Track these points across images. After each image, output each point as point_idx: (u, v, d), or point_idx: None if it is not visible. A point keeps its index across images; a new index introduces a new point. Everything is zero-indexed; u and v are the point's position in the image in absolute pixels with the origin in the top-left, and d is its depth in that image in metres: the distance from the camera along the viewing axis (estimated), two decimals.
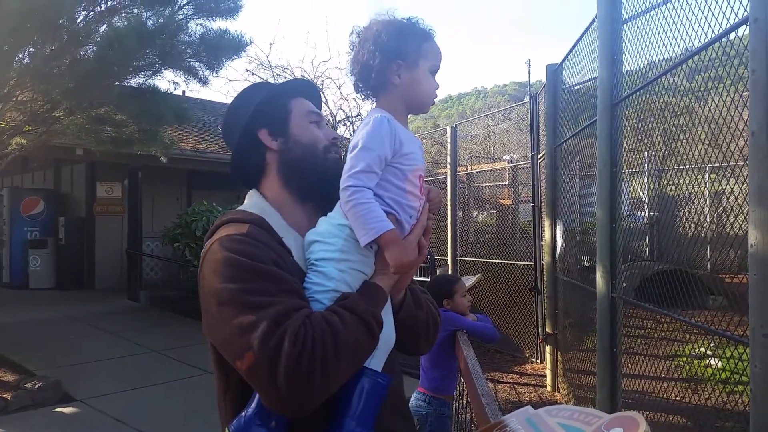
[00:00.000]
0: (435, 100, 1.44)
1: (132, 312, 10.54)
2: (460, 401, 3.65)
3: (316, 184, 1.44)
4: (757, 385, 1.81)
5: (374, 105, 1.44)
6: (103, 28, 6.42)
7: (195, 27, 6.94)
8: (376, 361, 1.31)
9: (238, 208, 1.45)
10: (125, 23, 6.22)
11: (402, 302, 1.48)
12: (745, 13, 1.98)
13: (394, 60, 1.36)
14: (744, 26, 2.06)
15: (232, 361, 1.17)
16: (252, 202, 1.46)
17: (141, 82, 7.22)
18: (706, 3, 2.41)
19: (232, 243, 1.26)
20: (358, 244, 1.29)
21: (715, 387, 4.15)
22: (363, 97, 1.47)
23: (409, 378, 3.65)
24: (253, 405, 1.20)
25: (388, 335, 1.35)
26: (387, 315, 1.36)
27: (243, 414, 1.21)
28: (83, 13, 6.40)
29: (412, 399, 3.55)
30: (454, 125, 9.16)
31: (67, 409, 5.37)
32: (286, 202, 1.45)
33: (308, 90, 1.60)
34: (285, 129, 1.47)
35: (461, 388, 3.41)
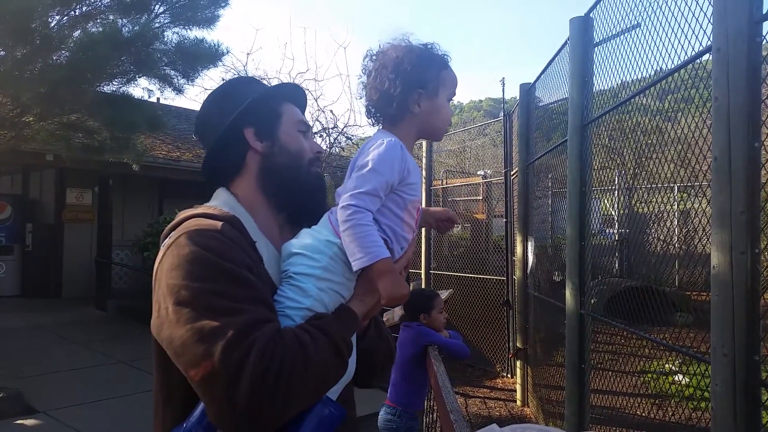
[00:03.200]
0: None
1: (100, 321, 10.34)
2: (431, 416, 3.66)
3: (294, 195, 1.37)
4: (718, 403, 1.86)
5: (381, 128, 1.39)
6: (77, 33, 6.34)
7: (171, 35, 6.89)
8: (333, 390, 1.21)
9: (207, 204, 1.34)
10: (100, 29, 6.15)
11: (365, 331, 1.42)
12: (709, 42, 2.04)
13: (415, 89, 1.33)
14: (708, 54, 2.13)
15: (185, 368, 1.05)
16: (222, 200, 1.35)
17: (115, 89, 7.13)
18: (673, 31, 2.49)
19: (202, 238, 1.14)
20: (343, 264, 1.23)
21: (680, 403, 4.23)
22: (373, 122, 1.42)
23: (378, 391, 3.64)
24: (196, 416, 1.09)
25: (350, 365, 1.25)
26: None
27: (183, 425, 1.10)
28: (57, 17, 6.32)
29: (381, 413, 3.55)
30: (429, 141, 9.22)
31: (29, 421, 5.23)
32: (258, 207, 1.35)
33: (299, 97, 1.52)
34: (273, 133, 1.38)
35: (432, 404, 3.42)
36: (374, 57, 1.39)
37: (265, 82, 9.11)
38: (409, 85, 1.32)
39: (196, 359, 1.02)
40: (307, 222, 1.40)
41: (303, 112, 1.51)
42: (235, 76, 1.60)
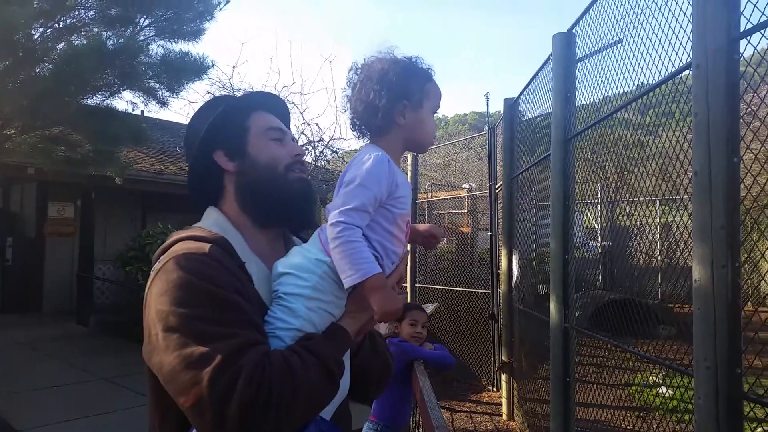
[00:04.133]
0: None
1: (81, 337, 10.18)
2: (417, 431, 3.63)
3: (276, 207, 1.33)
4: (701, 416, 1.87)
5: (368, 141, 1.39)
6: (60, 46, 6.31)
7: (156, 48, 6.89)
8: (327, 409, 1.20)
9: (197, 225, 1.33)
10: (84, 42, 6.13)
11: (360, 346, 1.40)
12: (689, 59, 2.08)
13: (400, 100, 1.33)
14: (688, 70, 2.17)
15: (175, 395, 1.05)
16: (212, 220, 1.33)
17: (98, 102, 7.09)
18: (654, 47, 2.53)
19: (190, 262, 1.13)
20: (333, 283, 1.22)
21: (665, 416, 4.25)
22: (358, 135, 1.42)
23: (366, 407, 3.62)
24: None
25: (344, 383, 1.25)
26: (345, 361, 1.26)
27: None
28: (40, 29, 6.29)
29: (364, 428, 3.52)
30: (414, 153, 9.26)
31: None
32: (246, 226, 1.33)
33: (271, 103, 1.47)
34: (242, 149, 1.35)
35: (417, 419, 3.40)
36: (359, 70, 1.39)
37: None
38: (394, 96, 1.33)
39: (185, 386, 1.02)
40: (299, 228, 1.40)
41: (283, 117, 1.47)
42: (213, 97, 1.57)
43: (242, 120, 1.38)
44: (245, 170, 1.34)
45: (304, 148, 9.66)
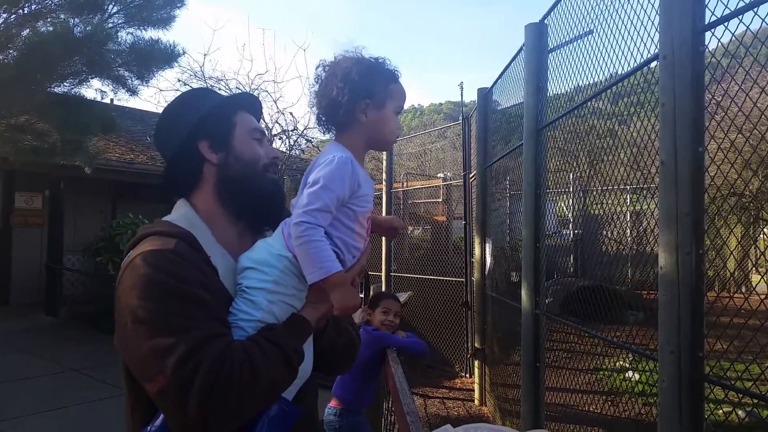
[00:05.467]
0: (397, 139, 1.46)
1: (50, 328, 10.02)
2: (390, 418, 3.67)
3: (251, 202, 1.41)
4: (665, 399, 1.92)
5: (334, 138, 1.44)
6: (26, 32, 6.14)
7: (125, 36, 6.75)
8: (290, 389, 1.28)
9: (165, 219, 1.39)
10: (50, 29, 5.97)
11: (324, 329, 1.48)
12: (656, 50, 2.12)
13: (363, 99, 1.38)
14: (656, 61, 2.21)
15: (143, 382, 1.14)
16: (180, 213, 1.40)
17: (66, 90, 6.93)
18: (623, 38, 2.57)
19: (156, 259, 1.20)
20: (294, 276, 1.30)
21: (632, 399, 4.35)
22: (324, 130, 1.48)
23: (326, 391, 3.64)
24: (158, 423, 1.17)
25: (305, 366, 1.33)
26: (307, 345, 1.34)
27: (149, 428, 1.18)
28: (4, 15, 6.11)
29: (325, 414, 3.55)
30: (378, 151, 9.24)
31: None
32: (217, 217, 1.40)
33: (253, 104, 1.56)
34: (227, 143, 1.42)
35: (390, 405, 3.43)
36: (326, 67, 1.44)
37: (222, 83, 8.90)
38: (356, 94, 1.37)
39: (151, 374, 1.11)
40: (267, 226, 1.46)
41: (258, 120, 1.56)
42: (192, 88, 1.60)
43: (230, 115, 1.45)
44: (229, 163, 1.41)
45: (279, 138, 9.60)
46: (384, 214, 8.74)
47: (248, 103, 1.54)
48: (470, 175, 6.95)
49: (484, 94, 6.04)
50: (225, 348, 1.12)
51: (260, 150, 1.46)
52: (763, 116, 1.94)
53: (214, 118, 1.42)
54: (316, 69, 1.45)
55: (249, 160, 1.42)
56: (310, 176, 1.34)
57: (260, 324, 1.25)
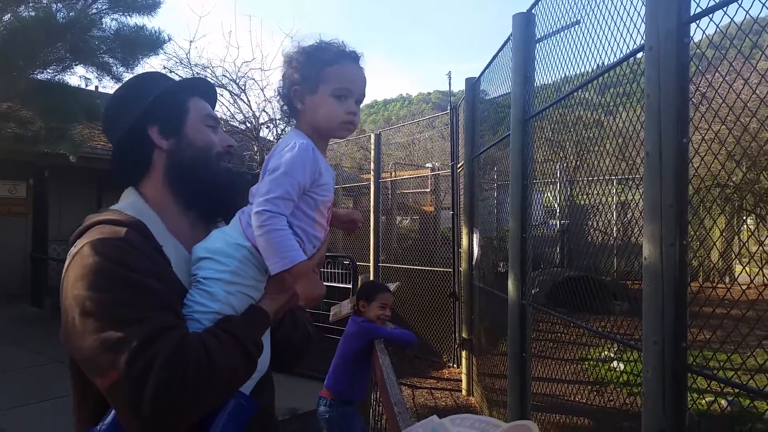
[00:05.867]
0: (348, 124, 1.38)
1: (35, 319, 9.93)
2: (378, 409, 3.68)
3: (204, 190, 1.36)
4: (649, 389, 1.94)
5: (293, 127, 1.42)
6: (6, 17, 6.03)
7: (110, 22, 6.63)
8: (247, 384, 1.26)
9: (113, 208, 1.34)
10: (32, 14, 5.86)
11: (280, 322, 1.45)
12: (643, 41, 2.12)
13: (294, 85, 1.36)
14: (641, 52, 2.21)
15: (92, 376, 1.09)
16: (129, 202, 1.34)
17: (50, 77, 6.81)
18: (610, 29, 2.56)
19: (105, 247, 1.14)
20: (253, 267, 1.26)
21: (617, 389, 4.40)
22: (287, 121, 1.47)
23: (317, 382, 3.65)
24: (109, 420, 1.12)
25: (263, 359, 1.30)
26: (265, 338, 1.31)
27: (98, 427, 1.13)
28: None
29: (317, 406, 3.57)
30: (378, 132, 9.24)
31: None
32: (167, 206, 1.35)
33: (207, 91, 1.50)
34: (179, 129, 1.37)
35: (378, 396, 3.44)
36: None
37: (208, 71, 8.78)
38: (288, 81, 1.37)
39: (102, 369, 1.05)
40: (220, 216, 1.42)
41: (213, 107, 1.51)
42: (144, 72, 1.56)
43: (183, 100, 1.40)
44: (180, 149, 1.36)
45: (266, 127, 9.53)
46: (372, 204, 8.73)
47: (203, 89, 1.49)
48: (458, 166, 6.95)
49: (472, 84, 6.03)
50: (180, 340, 1.08)
51: (214, 137, 1.41)
52: (746, 108, 1.95)
53: (166, 103, 1.36)
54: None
55: (201, 147, 1.38)
56: (270, 162, 1.31)
57: (217, 316, 1.20)
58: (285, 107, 1.42)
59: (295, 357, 1.53)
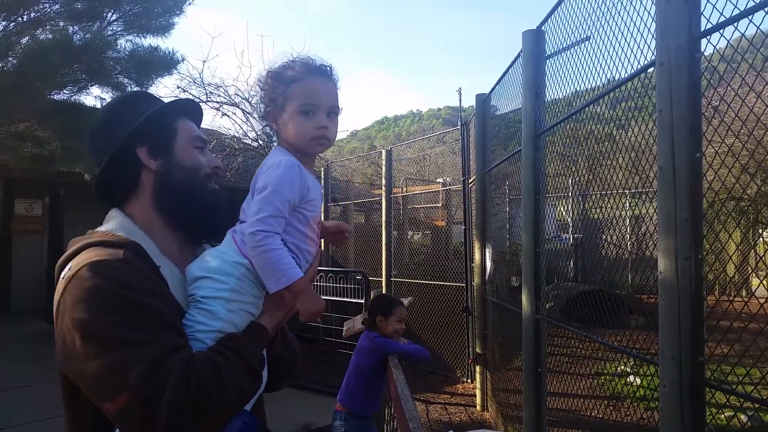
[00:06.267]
0: (320, 139, 1.37)
1: (50, 336, 9.87)
2: (392, 424, 3.66)
3: (192, 212, 1.36)
4: (667, 404, 1.93)
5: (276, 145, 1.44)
6: (25, 40, 6.16)
7: (125, 43, 6.76)
8: (249, 403, 1.26)
9: (101, 230, 1.31)
10: (50, 36, 5.98)
11: (273, 340, 1.44)
12: (653, 57, 2.13)
13: (266, 107, 1.40)
14: (653, 67, 2.22)
15: (98, 401, 1.06)
16: (117, 223, 1.32)
17: (66, 97, 6.94)
18: (620, 45, 2.58)
19: (105, 269, 1.12)
20: (252, 284, 1.27)
21: (634, 404, 4.36)
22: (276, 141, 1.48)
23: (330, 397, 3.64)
24: None
25: (263, 376, 1.31)
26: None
27: None
28: (3, 23, 6.12)
29: (333, 420, 3.57)
30: (389, 148, 9.28)
31: None
32: (156, 227, 1.34)
33: (194, 111, 1.51)
34: (168, 150, 1.36)
35: (393, 411, 3.43)
36: None
37: (221, 90, 8.89)
38: (263, 104, 1.41)
39: (111, 392, 1.03)
40: (207, 238, 1.41)
41: (199, 127, 1.51)
42: (131, 91, 1.57)
43: (171, 121, 1.40)
44: (169, 170, 1.35)
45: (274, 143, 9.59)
46: (384, 219, 8.76)
47: (190, 109, 1.49)
48: (469, 180, 6.96)
49: (483, 99, 6.06)
50: (190, 360, 1.07)
51: (202, 158, 1.41)
52: (759, 121, 1.95)
53: (155, 123, 1.35)
54: None
55: (190, 168, 1.37)
56: (258, 181, 1.31)
57: (219, 334, 1.20)
58: (266, 127, 1.44)
59: (285, 375, 1.51)
